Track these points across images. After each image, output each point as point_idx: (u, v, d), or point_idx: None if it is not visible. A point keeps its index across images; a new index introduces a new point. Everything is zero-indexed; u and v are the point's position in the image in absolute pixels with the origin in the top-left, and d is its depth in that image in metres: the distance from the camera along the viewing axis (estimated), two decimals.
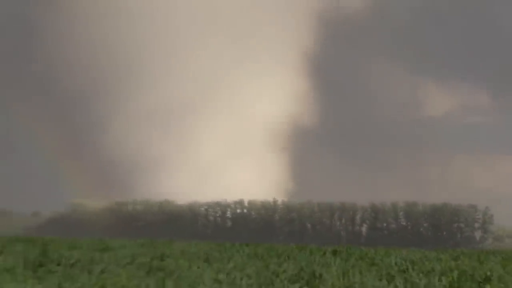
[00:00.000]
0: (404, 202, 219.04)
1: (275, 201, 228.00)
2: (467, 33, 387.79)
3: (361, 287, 14.55)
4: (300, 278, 15.63)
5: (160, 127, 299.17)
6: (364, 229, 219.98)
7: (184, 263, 18.02)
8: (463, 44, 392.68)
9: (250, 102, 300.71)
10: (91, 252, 20.89)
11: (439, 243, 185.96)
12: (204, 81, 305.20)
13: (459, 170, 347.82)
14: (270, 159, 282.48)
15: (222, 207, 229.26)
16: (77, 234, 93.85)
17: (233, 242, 27.79)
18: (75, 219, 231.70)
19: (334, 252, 22.18)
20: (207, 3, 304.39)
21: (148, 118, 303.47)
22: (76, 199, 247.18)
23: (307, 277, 15.77)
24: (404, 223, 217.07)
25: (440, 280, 15.50)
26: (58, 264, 17.65)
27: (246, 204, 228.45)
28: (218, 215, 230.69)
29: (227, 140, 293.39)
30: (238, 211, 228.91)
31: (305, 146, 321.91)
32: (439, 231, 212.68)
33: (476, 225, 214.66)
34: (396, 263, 19.17)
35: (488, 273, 16.62)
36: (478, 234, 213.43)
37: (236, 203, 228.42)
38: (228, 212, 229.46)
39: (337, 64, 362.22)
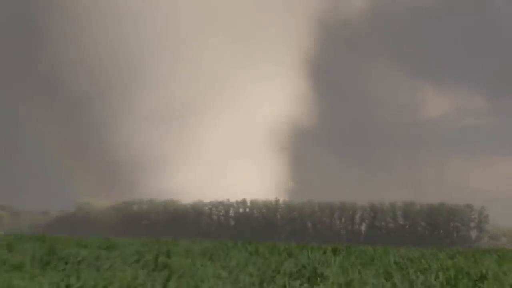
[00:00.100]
0: (402, 202, 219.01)
1: (276, 201, 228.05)
2: (464, 37, 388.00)
3: (360, 284, 14.55)
4: (301, 276, 15.64)
5: (164, 127, 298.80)
6: (363, 228, 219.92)
7: (189, 261, 18.03)
8: (460, 48, 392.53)
9: (251, 102, 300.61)
10: (97, 250, 20.92)
11: (436, 242, 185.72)
12: (205, 82, 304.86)
13: (456, 170, 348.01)
14: (271, 159, 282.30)
15: (225, 206, 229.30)
16: (84, 233, 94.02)
17: (236, 240, 27.80)
18: (82, 218, 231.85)
19: (334, 250, 22.18)
20: (208, 5, 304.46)
21: (153, 118, 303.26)
22: (82, 198, 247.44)
23: (308, 274, 15.77)
24: (402, 222, 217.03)
25: (437, 277, 15.50)
26: (66, 262, 17.67)
27: (248, 203, 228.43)
28: (221, 214, 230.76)
29: (229, 141, 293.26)
30: (241, 210, 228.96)
31: (305, 146, 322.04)
32: (436, 230, 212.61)
33: (472, 224, 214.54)
34: (394, 261, 19.17)
35: (484, 271, 16.62)
36: (474, 233, 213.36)
37: (238, 202, 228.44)
38: (231, 211, 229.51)
39: (337, 66, 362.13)
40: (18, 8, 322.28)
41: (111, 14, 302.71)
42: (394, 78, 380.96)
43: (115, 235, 36.08)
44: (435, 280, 15.13)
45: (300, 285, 14.12)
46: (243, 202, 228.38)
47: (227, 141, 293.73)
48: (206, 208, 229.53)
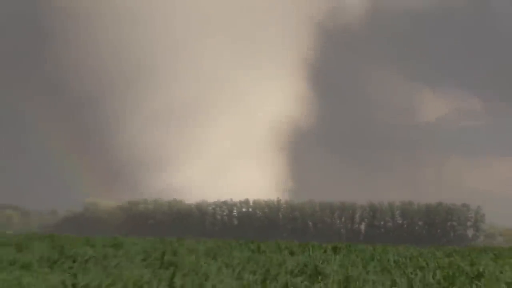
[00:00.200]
0: (401, 202, 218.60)
1: (278, 201, 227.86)
2: (462, 41, 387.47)
3: (360, 281, 14.56)
4: (302, 273, 15.66)
5: (168, 127, 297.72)
6: (363, 227, 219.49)
7: (194, 259, 18.06)
8: (458, 51, 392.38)
9: (253, 103, 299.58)
10: (104, 248, 20.95)
11: (433, 241, 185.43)
12: (207, 82, 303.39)
13: (453, 171, 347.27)
14: (272, 159, 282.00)
15: (228, 206, 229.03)
16: (91, 232, 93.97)
17: (239, 239, 27.84)
18: (89, 217, 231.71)
19: (334, 249, 22.22)
20: (209, 6, 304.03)
21: (157, 119, 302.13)
22: (89, 198, 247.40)
23: (309, 271, 15.80)
24: (400, 222, 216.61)
25: (434, 275, 15.52)
26: (74, 261, 17.71)
27: (251, 203, 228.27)
28: (225, 213, 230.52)
29: (231, 141, 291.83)
30: (244, 210, 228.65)
31: (305, 147, 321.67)
32: (434, 229, 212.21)
33: (469, 223, 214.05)
34: (393, 259, 19.20)
35: (481, 269, 16.64)
36: (470, 232, 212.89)
37: (241, 202, 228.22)
38: (235, 211, 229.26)
39: (337, 68, 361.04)
40: (22, 8, 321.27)
41: (113, 15, 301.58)
42: (393, 81, 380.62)
43: (121, 235, 36.13)
44: (432, 278, 15.15)
45: (301, 282, 14.14)
46: (246, 202, 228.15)
47: (229, 141, 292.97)
48: (210, 208, 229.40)
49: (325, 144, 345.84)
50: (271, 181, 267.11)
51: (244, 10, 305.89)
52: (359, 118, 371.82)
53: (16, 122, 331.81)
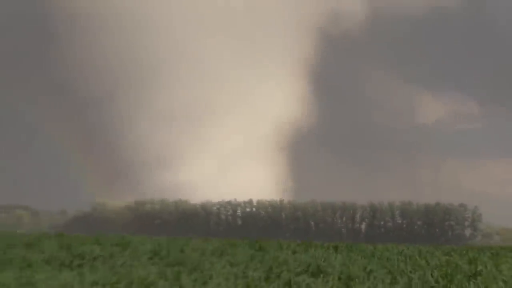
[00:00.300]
0: (400, 202, 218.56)
1: (281, 201, 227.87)
2: (458, 46, 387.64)
3: (361, 278, 14.56)
4: (305, 271, 15.65)
5: (172, 128, 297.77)
6: (363, 226, 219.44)
7: (200, 257, 18.06)
8: (455, 56, 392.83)
9: (256, 104, 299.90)
10: (112, 247, 20.95)
11: (432, 240, 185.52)
12: (213, 84, 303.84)
13: (450, 172, 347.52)
14: (275, 160, 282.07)
15: (233, 206, 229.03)
16: (99, 232, 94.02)
17: (243, 238, 27.82)
18: (97, 217, 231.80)
19: (336, 248, 22.19)
20: (216, 10, 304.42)
21: (162, 120, 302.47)
22: (98, 198, 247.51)
23: (312, 270, 15.79)
24: (400, 221, 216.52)
25: (433, 273, 15.50)
26: (82, 259, 17.72)
27: (255, 203, 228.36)
28: (229, 213, 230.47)
29: (234, 142, 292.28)
30: (248, 210, 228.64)
31: (307, 149, 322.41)
32: (432, 228, 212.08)
33: (466, 223, 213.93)
34: (393, 258, 19.17)
35: (478, 268, 16.61)
36: (468, 232, 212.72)
37: (245, 202, 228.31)
38: (239, 211, 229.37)
39: (337, 72, 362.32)
40: (27, 9, 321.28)
41: (116, 17, 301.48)
42: (392, 84, 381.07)
43: (128, 234, 36.13)
44: (431, 276, 15.13)
45: (304, 280, 14.13)
46: (250, 202, 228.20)
47: (232, 142, 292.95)
48: (215, 208, 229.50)
49: (326, 145, 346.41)
50: (273, 181, 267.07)
51: (248, 13, 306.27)
52: (359, 120, 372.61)
53: (25, 124, 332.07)
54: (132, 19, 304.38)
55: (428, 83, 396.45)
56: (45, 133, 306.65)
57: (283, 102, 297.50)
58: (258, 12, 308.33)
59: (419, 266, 17.01)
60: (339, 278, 14.56)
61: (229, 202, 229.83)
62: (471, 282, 14.39)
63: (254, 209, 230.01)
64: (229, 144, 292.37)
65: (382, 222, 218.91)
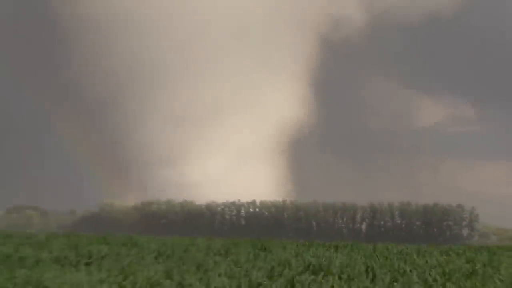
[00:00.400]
0: (399, 203, 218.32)
1: (284, 201, 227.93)
2: (456, 52, 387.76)
3: (361, 277, 14.56)
4: (307, 270, 15.65)
5: (179, 130, 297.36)
6: (363, 226, 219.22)
7: (204, 256, 18.07)
8: (453, 61, 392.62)
9: (258, 107, 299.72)
10: (119, 247, 20.98)
11: (430, 240, 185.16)
12: (217, 87, 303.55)
13: (448, 174, 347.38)
14: (276, 162, 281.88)
15: (236, 206, 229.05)
16: (107, 232, 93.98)
17: (247, 238, 27.82)
18: (105, 217, 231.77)
19: (336, 247, 22.20)
20: (225, 14, 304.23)
21: (168, 122, 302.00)
22: (105, 199, 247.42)
23: (313, 268, 15.78)
24: (399, 222, 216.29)
25: (431, 272, 15.50)
26: (90, 257, 17.75)
27: (258, 204, 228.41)
28: (233, 214, 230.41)
29: (237, 144, 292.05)
30: (251, 210, 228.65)
31: (308, 151, 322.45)
32: (430, 228, 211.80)
33: (464, 223, 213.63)
34: (392, 257, 19.17)
35: (476, 267, 16.60)
36: (465, 232, 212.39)
37: (249, 203, 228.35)
38: (242, 211, 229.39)
39: (338, 76, 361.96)
40: (38, 12, 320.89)
41: (127, 19, 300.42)
42: (392, 89, 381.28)
43: (135, 233, 36.16)
44: (429, 274, 15.13)
45: (306, 279, 14.13)
46: (253, 202, 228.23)
47: (234, 143, 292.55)
48: (219, 208, 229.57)
49: (327, 148, 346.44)
50: (275, 182, 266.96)
51: (252, 18, 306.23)
52: (359, 123, 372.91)
53: (34, 125, 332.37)
54: (138, 21, 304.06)
55: (426, 87, 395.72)
56: (54, 134, 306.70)
57: (286, 104, 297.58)
58: (262, 17, 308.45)
59: (418, 265, 17.01)
60: (340, 277, 14.56)
61: (233, 203, 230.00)
62: (468, 281, 14.39)
63: (257, 209, 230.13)
64: (233, 146, 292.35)
65: (382, 222, 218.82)
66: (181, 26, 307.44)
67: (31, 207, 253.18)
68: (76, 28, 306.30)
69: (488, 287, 13.93)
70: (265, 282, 13.70)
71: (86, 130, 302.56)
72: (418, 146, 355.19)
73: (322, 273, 14.96)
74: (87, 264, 16.71)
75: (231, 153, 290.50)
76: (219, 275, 14.42)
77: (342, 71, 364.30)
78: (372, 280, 14.33)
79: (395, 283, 13.98)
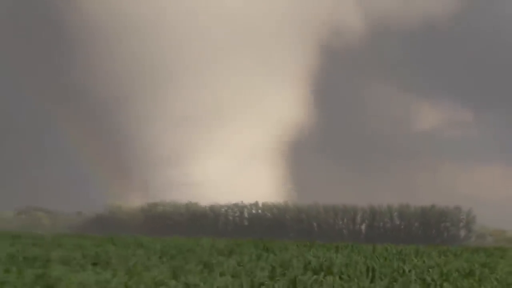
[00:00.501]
0: (398, 204, 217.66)
1: (286, 203, 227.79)
2: (455, 57, 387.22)
3: (361, 276, 14.54)
4: (308, 270, 15.64)
5: (182, 131, 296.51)
6: (363, 228, 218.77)
7: (208, 257, 18.07)
8: (452, 66, 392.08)
9: (259, 109, 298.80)
10: (126, 247, 20.99)
11: (428, 240, 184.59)
12: (219, 88, 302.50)
13: (446, 177, 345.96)
14: (278, 164, 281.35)
15: (239, 208, 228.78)
16: (114, 233, 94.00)
17: (250, 238, 27.82)
18: (112, 219, 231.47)
19: (337, 248, 22.20)
20: (227, 16, 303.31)
21: (173, 124, 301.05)
22: (112, 200, 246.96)
23: (315, 268, 15.77)
24: (398, 223, 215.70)
25: (429, 272, 15.48)
26: (97, 258, 17.76)
27: (260, 205, 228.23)
28: (236, 215, 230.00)
29: (238, 145, 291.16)
30: (254, 211, 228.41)
31: (308, 153, 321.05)
32: (429, 229, 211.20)
33: (461, 224, 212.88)
34: (392, 258, 19.16)
35: (473, 267, 16.59)
36: (462, 233, 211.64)
37: (251, 204, 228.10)
38: (245, 213, 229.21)
39: (338, 81, 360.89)
40: (46, 14, 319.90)
41: (134, 20, 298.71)
42: (391, 93, 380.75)
43: (142, 234, 36.14)
44: (428, 274, 15.11)
45: (308, 278, 14.12)
46: (256, 204, 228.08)
47: (238, 145, 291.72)
48: (223, 209, 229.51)
49: (327, 150, 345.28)
50: (277, 184, 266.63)
51: (255, 22, 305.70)
52: (359, 127, 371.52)
53: (35, 125, 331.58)
54: (139, 21, 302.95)
55: (425, 92, 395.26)
56: (56, 135, 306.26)
57: (287, 107, 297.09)
58: (263, 18, 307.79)
59: (416, 265, 16.99)
60: (340, 277, 14.54)
61: (236, 204, 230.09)
62: (465, 281, 14.37)
63: (260, 211, 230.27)
64: (233, 146, 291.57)
65: (381, 224, 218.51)
66: (181, 27, 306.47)
67: (40, 208, 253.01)
68: (77, 28, 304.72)
69: (485, 287, 13.92)
70: (267, 282, 13.69)
71: (88, 131, 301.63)
72: (417, 149, 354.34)
73: (323, 273, 14.95)
74: (94, 264, 16.72)
75: (232, 153, 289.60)
76: (223, 275, 14.41)
77: (342, 75, 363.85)
78: (372, 280, 14.31)
79: (394, 283, 13.97)
